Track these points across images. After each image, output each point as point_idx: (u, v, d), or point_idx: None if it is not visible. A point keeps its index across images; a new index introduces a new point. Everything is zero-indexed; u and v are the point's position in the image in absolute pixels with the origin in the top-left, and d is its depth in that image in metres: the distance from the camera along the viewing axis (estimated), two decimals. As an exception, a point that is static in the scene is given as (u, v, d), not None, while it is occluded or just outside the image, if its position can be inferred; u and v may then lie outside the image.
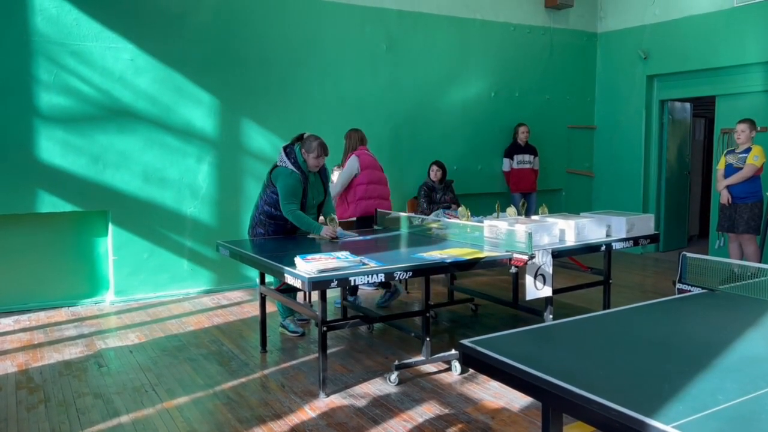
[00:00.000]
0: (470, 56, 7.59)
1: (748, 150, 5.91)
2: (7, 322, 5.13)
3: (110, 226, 5.72)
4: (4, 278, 5.42)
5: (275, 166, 4.58)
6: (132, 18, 5.68)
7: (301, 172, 4.49)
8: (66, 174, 5.47)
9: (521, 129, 7.71)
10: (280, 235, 4.63)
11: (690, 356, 1.99)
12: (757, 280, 2.83)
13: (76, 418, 3.35)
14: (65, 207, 5.50)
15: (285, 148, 4.57)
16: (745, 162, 5.88)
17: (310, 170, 4.56)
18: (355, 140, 5.58)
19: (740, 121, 6.01)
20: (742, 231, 5.93)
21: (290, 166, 4.48)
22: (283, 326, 4.80)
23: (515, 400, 3.48)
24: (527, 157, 7.71)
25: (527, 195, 7.69)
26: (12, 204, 5.31)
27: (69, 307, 5.61)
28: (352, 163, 5.43)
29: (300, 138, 4.61)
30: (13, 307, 5.45)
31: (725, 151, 6.25)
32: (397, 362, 3.89)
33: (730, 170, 6.02)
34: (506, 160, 7.76)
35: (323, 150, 4.52)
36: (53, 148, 5.42)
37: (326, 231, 4.49)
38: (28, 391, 3.72)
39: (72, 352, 4.43)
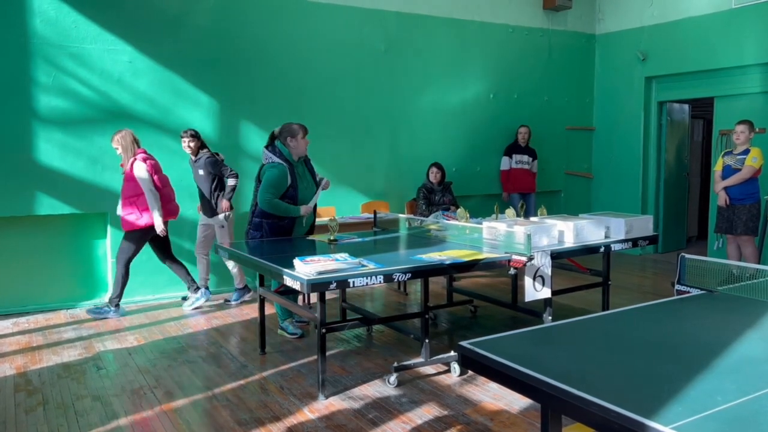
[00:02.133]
0: (469, 58, 7.60)
1: (746, 151, 5.92)
2: (6, 325, 5.12)
3: (109, 229, 5.72)
4: (2, 281, 5.42)
5: (261, 166, 4.63)
6: (130, 20, 5.68)
7: (289, 164, 4.53)
8: (64, 176, 5.47)
9: (521, 130, 7.72)
10: (277, 236, 4.63)
11: (689, 357, 1.98)
12: (755, 281, 2.83)
13: (75, 420, 3.35)
14: (64, 209, 5.50)
15: (266, 148, 4.62)
16: (743, 163, 5.88)
17: (297, 159, 4.59)
18: (132, 143, 5.22)
19: (739, 122, 6.01)
20: (740, 232, 5.93)
21: (277, 160, 4.52)
22: (282, 328, 4.80)
23: (514, 401, 3.48)
24: (525, 158, 7.70)
25: (526, 196, 7.69)
26: (10, 206, 5.31)
27: (67, 309, 5.60)
28: (141, 169, 5.16)
29: (274, 136, 4.65)
30: (12, 309, 5.44)
31: (723, 153, 6.25)
32: (396, 364, 3.89)
33: (728, 171, 6.02)
34: (505, 159, 7.74)
35: (305, 129, 4.62)
36: (52, 150, 5.42)
37: (304, 209, 4.58)
38: (27, 394, 3.71)
39: (71, 354, 4.42)
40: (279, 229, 4.60)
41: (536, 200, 7.70)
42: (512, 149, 7.74)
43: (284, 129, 4.59)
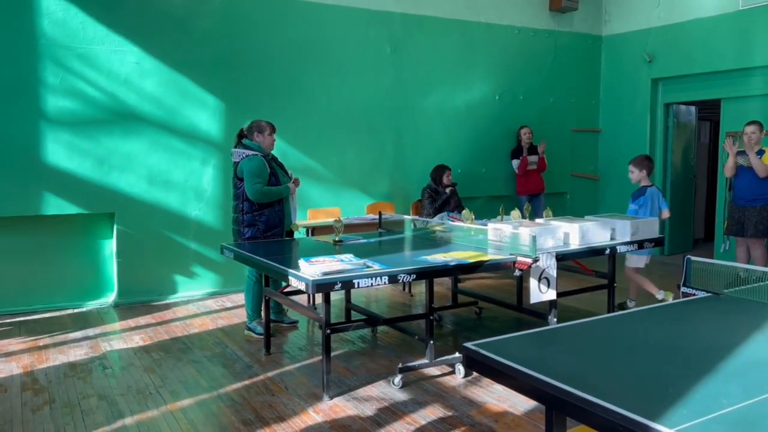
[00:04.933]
0: (474, 59, 7.59)
1: (760, 152, 5.86)
2: (13, 324, 5.14)
3: (115, 228, 5.74)
4: (9, 280, 5.44)
5: (236, 165, 4.64)
6: (137, 21, 5.71)
7: (263, 156, 4.64)
8: (72, 176, 5.50)
9: (523, 131, 7.63)
10: (271, 230, 4.66)
11: (694, 360, 1.98)
12: (762, 283, 2.82)
13: (81, 419, 3.36)
14: (71, 209, 5.53)
15: (236, 147, 4.70)
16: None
17: (267, 153, 4.72)
18: None
19: (749, 123, 5.93)
20: (750, 235, 5.90)
21: (251, 152, 4.61)
22: (249, 329, 4.82)
23: (519, 403, 3.48)
24: (533, 158, 7.64)
25: (536, 196, 7.64)
26: (18, 206, 5.34)
27: (74, 308, 5.63)
28: None
29: (241, 135, 4.76)
30: (18, 308, 5.47)
31: (735, 153, 6.17)
32: (400, 365, 3.89)
33: (741, 171, 5.96)
34: (515, 161, 7.64)
35: (272, 127, 4.76)
36: (59, 151, 5.45)
37: (292, 186, 4.74)
38: (33, 393, 3.74)
39: (77, 353, 4.44)
40: (272, 222, 4.66)
41: (545, 201, 7.64)
42: (519, 151, 7.64)
43: (253, 125, 4.74)
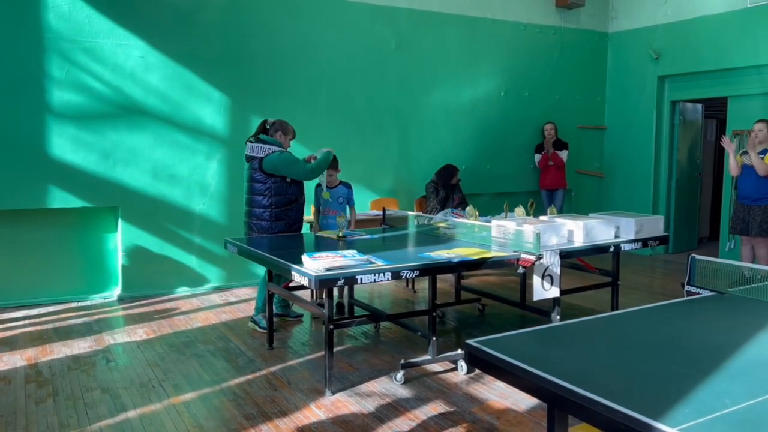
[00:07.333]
0: (480, 55, 7.57)
1: (764, 151, 5.85)
2: (17, 317, 5.17)
3: (120, 222, 5.76)
4: (14, 273, 5.47)
5: (259, 160, 4.60)
6: (143, 15, 5.71)
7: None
8: (76, 170, 5.51)
9: (546, 126, 7.80)
10: (299, 221, 4.76)
11: (698, 359, 1.97)
12: (767, 283, 2.81)
13: (84, 412, 3.38)
14: (75, 203, 5.54)
15: (256, 142, 4.66)
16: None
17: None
18: None
19: (758, 121, 5.96)
20: (755, 234, 5.88)
21: (276, 148, 4.64)
22: (254, 321, 4.84)
23: (521, 400, 3.48)
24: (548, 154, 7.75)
25: (553, 192, 7.73)
26: (23, 199, 5.36)
27: (78, 302, 5.65)
28: None
29: (263, 129, 4.80)
30: (23, 301, 5.49)
31: (740, 152, 6.17)
32: (403, 361, 3.89)
33: (746, 170, 5.95)
34: (537, 156, 7.89)
35: (295, 134, 4.93)
36: (64, 144, 5.46)
37: (327, 148, 4.86)
38: (37, 385, 3.75)
39: (80, 346, 4.46)
40: (298, 216, 4.77)
41: (564, 197, 7.76)
42: (541, 146, 7.86)
43: (279, 125, 4.80)
